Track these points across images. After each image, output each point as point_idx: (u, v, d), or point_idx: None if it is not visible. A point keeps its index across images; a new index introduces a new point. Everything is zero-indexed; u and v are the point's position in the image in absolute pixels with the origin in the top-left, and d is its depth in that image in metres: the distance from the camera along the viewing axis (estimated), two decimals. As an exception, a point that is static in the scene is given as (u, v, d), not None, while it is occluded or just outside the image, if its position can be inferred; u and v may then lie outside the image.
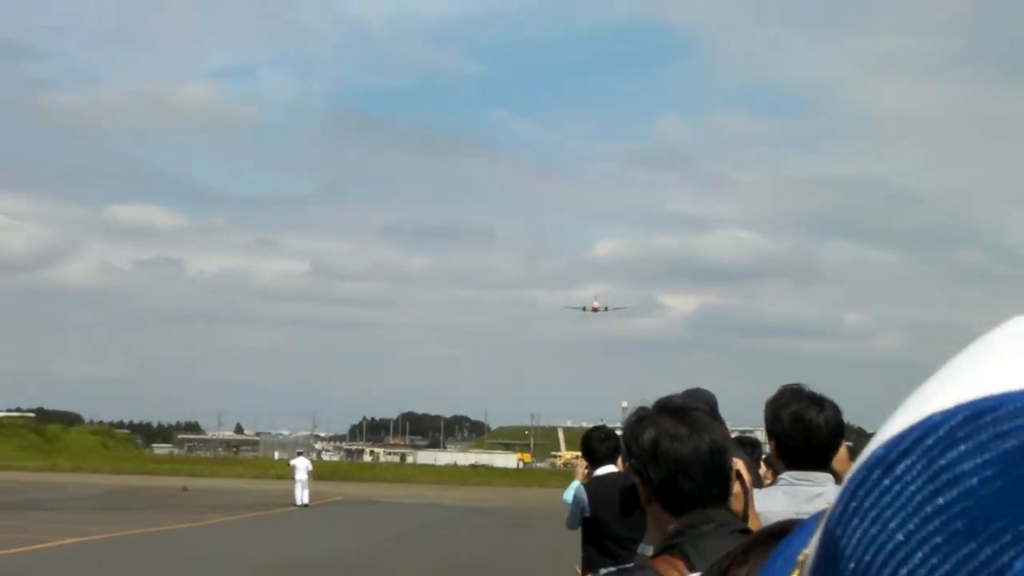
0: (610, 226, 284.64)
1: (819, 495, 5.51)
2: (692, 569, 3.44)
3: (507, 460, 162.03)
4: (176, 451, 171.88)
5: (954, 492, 0.68)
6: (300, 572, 26.32)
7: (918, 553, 0.68)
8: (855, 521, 0.73)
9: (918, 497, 0.69)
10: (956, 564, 0.66)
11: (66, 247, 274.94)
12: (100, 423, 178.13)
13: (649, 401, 4.03)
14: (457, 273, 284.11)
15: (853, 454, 7.83)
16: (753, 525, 4.23)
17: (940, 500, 0.68)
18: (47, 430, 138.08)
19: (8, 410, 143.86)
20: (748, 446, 10.31)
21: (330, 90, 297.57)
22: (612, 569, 8.24)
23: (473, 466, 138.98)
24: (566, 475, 70.28)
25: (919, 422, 0.72)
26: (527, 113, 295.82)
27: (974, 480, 0.68)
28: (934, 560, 0.67)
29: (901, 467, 0.71)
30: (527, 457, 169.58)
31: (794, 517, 3.92)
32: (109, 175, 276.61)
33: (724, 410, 7.42)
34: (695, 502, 3.81)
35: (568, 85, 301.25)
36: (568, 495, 10.86)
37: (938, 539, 0.67)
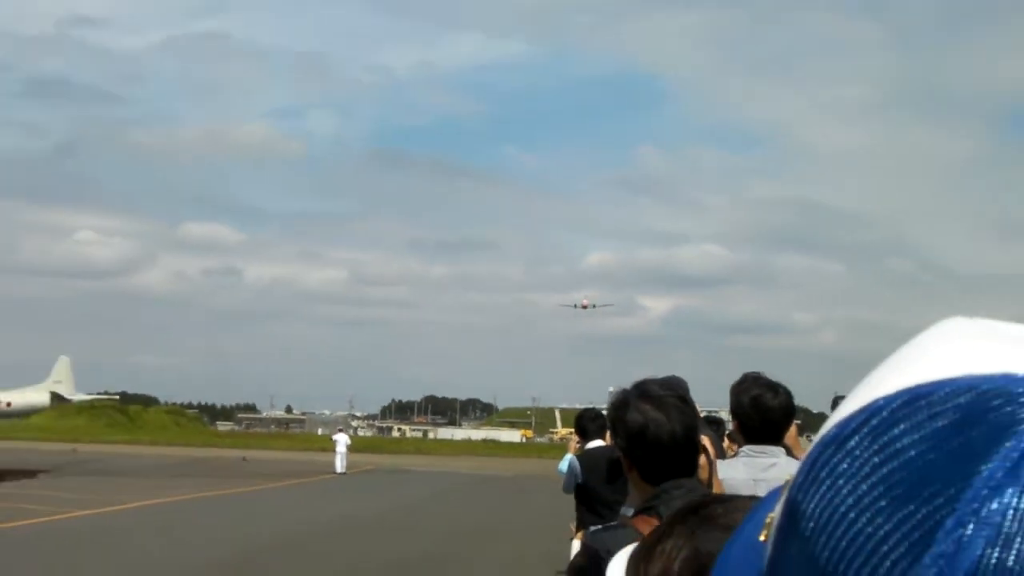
0: (598, 240, 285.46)
1: (773, 465, 5.55)
2: None
3: (512, 436, 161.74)
4: (236, 428, 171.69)
5: (895, 463, 0.69)
6: (339, 527, 26.25)
7: (867, 514, 0.68)
8: (813, 488, 0.74)
9: (865, 468, 0.70)
10: (898, 522, 0.67)
11: (146, 258, 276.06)
12: (173, 404, 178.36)
13: (628, 386, 4.07)
14: (470, 279, 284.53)
15: (801, 431, 7.86)
16: (716, 490, 4.35)
17: (884, 470, 0.69)
18: (129, 410, 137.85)
19: (97, 394, 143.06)
20: (714, 424, 10.36)
21: (365, 127, 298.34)
22: (599, 527, 8.24)
23: (483, 441, 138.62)
24: (561, 448, 70.00)
25: (866, 406, 0.73)
26: (529, 146, 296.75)
27: (912, 453, 0.69)
28: (880, 519, 0.68)
29: (851, 443, 0.73)
30: (529, 433, 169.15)
31: (751, 482, 3.99)
32: (183, 198, 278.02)
33: (694, 394, 7.41)
34: (669, 473, 3.85)
35: (564, 123, 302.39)
36: (563, 465, 10.84)
37: (883, 502, 0.68)
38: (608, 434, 10.57)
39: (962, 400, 0.69)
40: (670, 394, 4.11)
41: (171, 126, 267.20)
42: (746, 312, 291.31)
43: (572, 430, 12.25)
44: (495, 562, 20.54)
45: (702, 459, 4.19)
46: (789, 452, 5.85)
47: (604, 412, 11.05)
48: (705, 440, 4.29)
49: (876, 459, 0.71)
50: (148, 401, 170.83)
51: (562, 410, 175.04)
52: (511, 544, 22.99)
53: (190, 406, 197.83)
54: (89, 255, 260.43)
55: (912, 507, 0.67)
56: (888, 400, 0.73)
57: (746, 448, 5.74)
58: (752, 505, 1.79)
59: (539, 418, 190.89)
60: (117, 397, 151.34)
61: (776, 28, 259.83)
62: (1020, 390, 0.68)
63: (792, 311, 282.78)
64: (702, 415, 7.79)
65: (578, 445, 11.01)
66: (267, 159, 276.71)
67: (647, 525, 3.50)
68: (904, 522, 0.67)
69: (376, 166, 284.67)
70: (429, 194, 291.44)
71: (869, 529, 0.69)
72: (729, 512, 1.72)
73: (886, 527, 0.68)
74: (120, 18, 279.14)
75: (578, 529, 10.39)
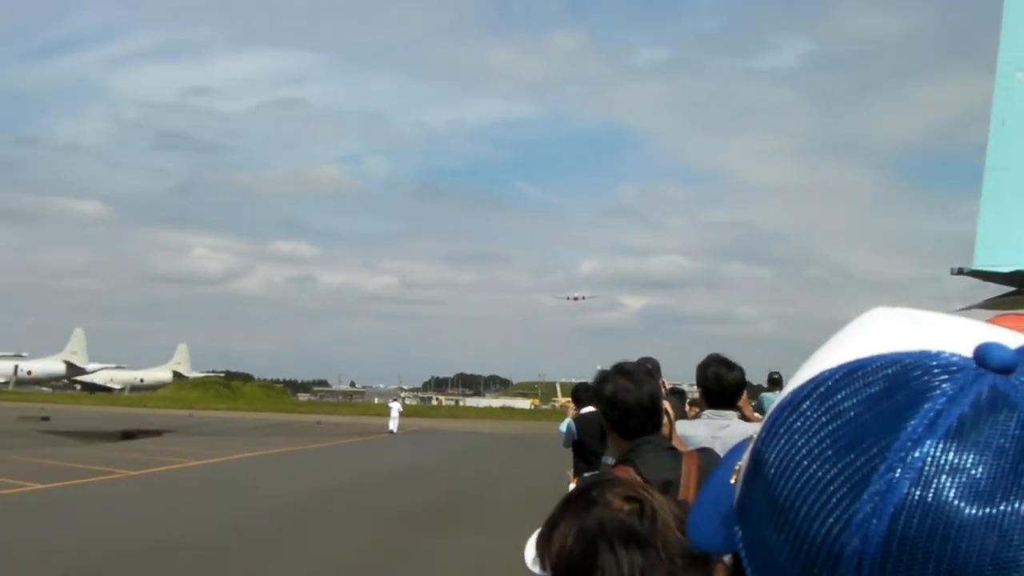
0: (588, 253, 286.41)
1: (727, 426, 5.57)
2: (638, 473, 3.63)
3: (524, 403, 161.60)
4: (312, 398, 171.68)
5: (839, 422, 0.73)
6: (392, 474, 26.29)
7: (817, 462, 0.72)
8: (773, 442, 0.77)
9: (815, 426, 0.74)
10: (841, 468, 0.71)
11: (244, 269, 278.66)
12: (265, 380, 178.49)
13: (612, 365, 4.21)
14: (490, 284, 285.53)
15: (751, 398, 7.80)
16: (676, 444, 4.37)
17: (830, 427, 0.73)
18: (232, 385, 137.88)
19: (207, 372, 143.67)
20: (677, 394, 10.33)
21: (411, 169, 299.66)
22: (588, 474, 8.16)
23: (502, 407, 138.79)
24: (561, 414, 69.95)
25: (814, 376, 0.77)
26: (537, 182, 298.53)
27: (851, 414, 0.73)
28: (827, 466, 0.71)
29: (803, 406, 0.76)
30: (536, 401, 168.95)
31: (710, 439, 3.90)
32: (273, 223, 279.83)
33: (663, 370, 7.37)
34: (639, 431, 3.97)
35: (562, 165, 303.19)
36: (563, 427, 10.80)
37: (829, 452, 0.72)
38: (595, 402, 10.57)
39: (889, 371, 0.74)
40: (639, 369, 4.24)
41: (263, 169, 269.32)
42: (701, 307, 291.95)
43: (570, 399, 12.26)
44: (511, 498, 20.60)
45: (665, 420, 4.27)
46: (742, 416, 5.85)
47: (592, 385, 11.12)
48: (667, 405, 4.42)
49: (823, 419, 0.74)
50: (246, 378, 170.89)
51: (562, 383, 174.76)
52: (522, 485, 23.04)
53: (277, 381, 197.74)
54: (202, 267, 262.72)
55: (852, 456, 0.71)
56: (832, 372, 0.76)
57: (707, 412, 5.73)
58: (620, 486, 1.81)
59: (544, 390, 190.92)
60: (222, 375, 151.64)
61: (722, 95, 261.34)
62: (934, 363, 0.73)
63: (736, 306, 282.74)
64: (668, 387, 7.75)
65: (574, 411, 10.98)
66: (336, 193, 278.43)
67: (624, 472, 3.61)
68: (846, 468, 0.71)
69: (419, 198, 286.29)
70: (460, 219, 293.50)
71: (819, 474, 0.72)
72: (603, 494, 1.76)
73: (832, 472, 0.72)
74: (226, 88, 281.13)
75: (575, 475, 10.35)
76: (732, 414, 5.70)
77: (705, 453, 4.18)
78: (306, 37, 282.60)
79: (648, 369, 4.67)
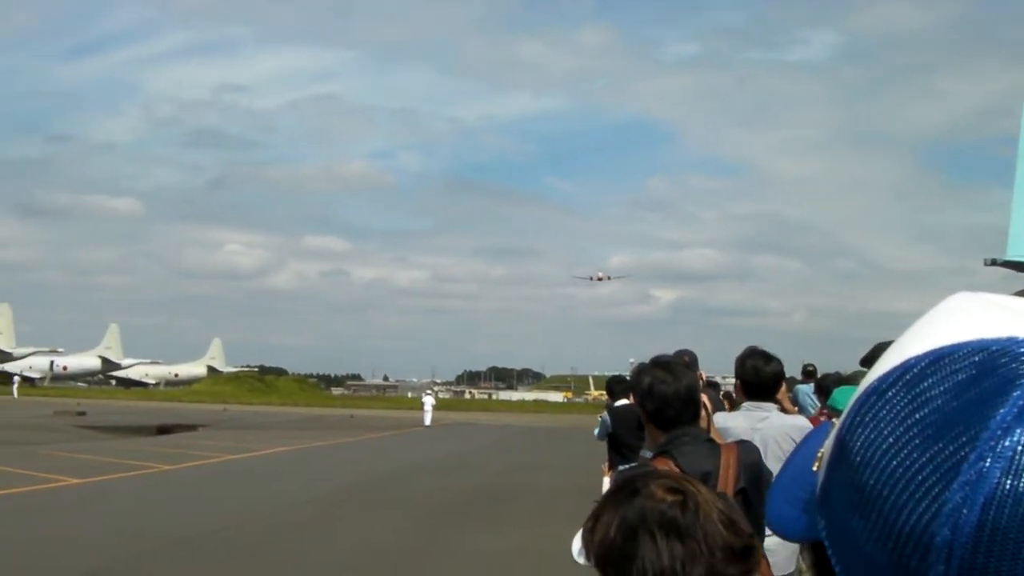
0: (619, 246, 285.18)
1: (766, 418, 5.57)
2: (676, 464, 3.63)
3: (557, 397, 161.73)
4: (346, 392, 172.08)
5: (926, 410, 0.72)
6: (427, 465, 26.36)
7: (904, 450, 0.72)
8: (859, 430, 0.76)
9: (902, 414, 0.74)
10: (930, 457, 0.70)
11: (277, 264, 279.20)
12: (298, 374, 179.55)
13: (646, 358, 4.27)
14: (521, 277, 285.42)
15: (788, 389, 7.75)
16: (714, 436, 4.35)
17: (917, 415, 0.73)
18: (266, 379, 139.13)
19: (242, 367, 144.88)
20: (712, 386, 10.40)
21: (442, 163, 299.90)
22: (626, 466, 8.15)
23: (535, 401, 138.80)
24: (596, 406, 69.94)
25: (900, 364, 0.76)
26: (567, 176, 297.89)
27: (939, 401, 0.72)
28: (915, 455, 0.71)
29: (889, 394, 0.75)
30: (569, 394, 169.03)
31: (749, 431, 3.90)
32: (305, 218, 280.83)
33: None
34: (676, 423, 3.96)
35: (593, 158, 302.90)
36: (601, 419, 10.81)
37: (917, 441, 0.71)
38: (632, 394, 10.55)
39: (976, 358, 0.73)
40: (677, 361, 4.35)
41: (296, 164, 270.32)
42: (732, 300, 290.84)
43: (604, 392, 12.32)
44: (544, 490, 20.65)
45: (703, 412, 4.29)
46: (781, 408, 5.83)
47: (627, 377, 11.21)
48: (704, 398, 4.37)
49: (910, 406, 0.74)
50: (279, 372, 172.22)
51: (595, 376, 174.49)
52: (556, 478, 23.05)
53: (311, 376, 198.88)
54: (236, 262, 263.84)
55: (941, 445, 0.71)
56: (918, 359, 0.75)
57: (745, 404, 5.75)
58: (665, 478, 1.80)
59: (577, 383, 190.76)
60: (256, 369, 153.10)
61: (750, 87, 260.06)
62: (1022, 350, 0.72)
63: (767, 299, 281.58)
64: (704, 379, 7.74)
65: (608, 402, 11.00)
66: (368, 188, 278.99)
67: (663, 464, 3.64)
68: (935, 457, 0.70)
69: (450, 193, 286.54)
70: (491, 213, 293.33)
71: (907, 463, 0.72)
72: (647, 485, 1.76)
73: (920, 460, 0.71)
74: (259, 85, 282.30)
75: (609, 467, 10.36)
76: (771, 406, 5.70)
77: (744, 445, 4.16)
78: (337, 34, 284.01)
79: (686, 361, 4.67)
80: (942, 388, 0.72)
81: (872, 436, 0.74)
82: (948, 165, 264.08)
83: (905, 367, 0.76)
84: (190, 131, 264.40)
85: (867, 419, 0.76)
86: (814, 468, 0.85)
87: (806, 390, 12.27)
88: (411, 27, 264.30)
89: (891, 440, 0.73)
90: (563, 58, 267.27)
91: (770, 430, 5.47)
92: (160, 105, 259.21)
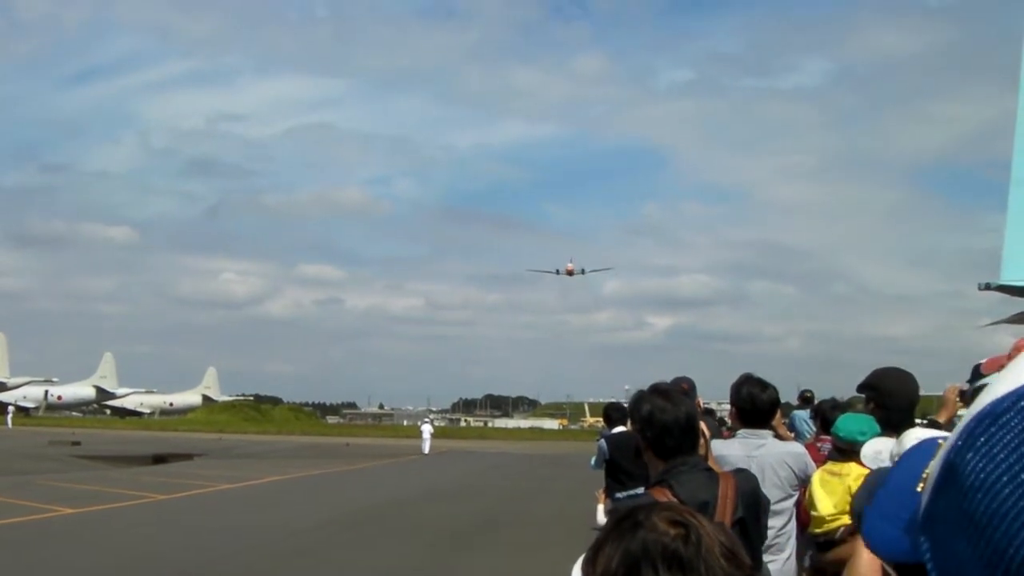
0: (614, 273, 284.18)
1: (762, 445, 5.58)
2: (674, 494, 3.65)
3: (552, 424, 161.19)
4: (341, 420, 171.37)
5: None
6: (426, 493, 26.26)
7: (1018, 477, 0.70)
8: (971, 454, 0.74)
9: (1017, 439, 0.72)
10: None
11: (272, 292, 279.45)
12: (293, 403, 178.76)
13: (641, 384, 4.25)
14: (516, 304, 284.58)
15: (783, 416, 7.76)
16: (712, 465, 4.29)
17: None
18: (261, 408, 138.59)
19: (236, 395, 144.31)
20: (708, 414, 10.40)
21: (437, 191, 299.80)
22: (625, 494, 8.13)
23: (530, 428, 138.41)
24: (591, 433, 69.72)
25: (1016, 388, 0.74)
26: (562, 202, 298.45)
27: None
28: None
29: (1004, 418, 0.73)
30: (565, 422, 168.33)
31: (745, 458, 3.90)
32: (300, 246, 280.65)
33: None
34: (676, 452, 3.93)
35: (589, 184, 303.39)
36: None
37: None
38: (628, 421, 10.57)
39: None
40: (676, 389, 4.25)
41: (291, 192, 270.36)
42: (727, 325, 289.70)
43: (600, 419, 12.33)
44: (540, 517, 20.61)
45: (701, 441, 4.21)
46: (776, 435, 5.83)
47: (623, 405, 11.25)
48: (702, 425, 4.34)
49: None
50: (275, 400, 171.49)
51: (590, 403, 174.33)
52: (552, 505, 23.05)
53: (306, 404, 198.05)
54: (230, 290, 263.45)
55: None
56: None
57: (741, 431, 5.73)
58: (668, 510, 1.80)
59: (572, 410, 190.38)
60: (251, 398, 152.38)
61: (744, 114, 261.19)
62: None
63: (762, 324, 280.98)
64: (701, 407, 7.73)
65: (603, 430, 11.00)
66: (363, 216, 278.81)
67: (661, 494, 3.65)
68: None
69: (445, 220, 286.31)
70: (485, 240, 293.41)
71: (1020, 491, 0.70)
72: (650, 517, 1.75)
73: None
74: (254, 114, 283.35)
75: (606, 494, 10.35)
76: (767, 433, 5.71)
77: (742, 474, 4.16)
78: (334, 62, 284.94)
79: (685, 389, 4.67)
80: None
81: (984, 461, 0.72)
82: (941, 189, 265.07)
83: (1021, 392, 0.73)
84: (186, 160, 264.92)
85: (979, 443, 0.73)
86: (918, 488, 0.83)
87: (803, 416, 12.29)
88: (407, 55, 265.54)
89: (1005, 466, 0.70)
90: (558, 86, 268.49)
91: (766, 457, 5.48)
92: (157, 134, 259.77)
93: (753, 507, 3.95)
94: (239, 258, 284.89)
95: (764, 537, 4.26)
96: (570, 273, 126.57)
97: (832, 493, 5.25)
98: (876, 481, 3.19)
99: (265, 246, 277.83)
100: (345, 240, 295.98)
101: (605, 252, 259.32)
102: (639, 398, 4.06)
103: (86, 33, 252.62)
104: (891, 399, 5.11)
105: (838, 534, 5.15)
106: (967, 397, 5.08)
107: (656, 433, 3.94)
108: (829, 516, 5.22)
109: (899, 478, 0.89)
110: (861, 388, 5.35)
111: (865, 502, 1.85)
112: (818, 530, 5.32)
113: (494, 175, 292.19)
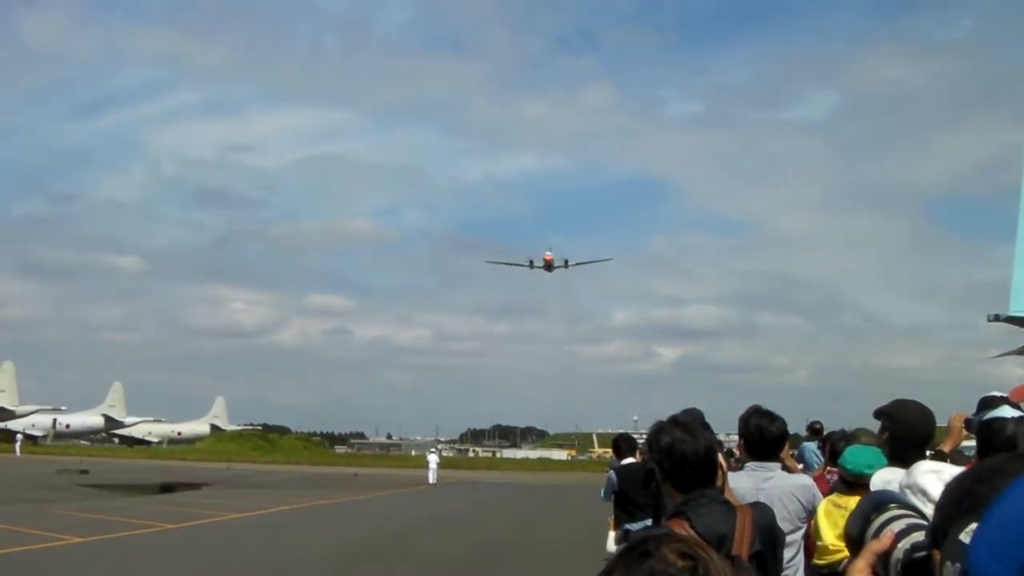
0: (622, 303, 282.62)
1: (771, 477, 5.56)
2: (692, 526, 3.63)
3: (561, 454, 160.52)
4: (349, 450, 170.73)
5: None
6: (434, 522, 26.19)
7: None
8: None
9: None
10: None
11: (281, 321, 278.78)
12: (302, 433, 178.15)
13: (648, 415, 4.22)
14: (524, 335, 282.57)
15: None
16: (729, 498, 4.26)
17: None
18: (269, 437, 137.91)
19: (245, 425, 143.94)
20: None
21: (445, 221, 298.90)
22: (639, 526, 8.12)
23: (539, 459, 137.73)
24: (600, 464, 69.55)
25: None
26: (569, 235, 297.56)
27: None
28: None
29: None
30: (573, 452, 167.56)
31: (754, 491, 3.89)
32: (308, 276, 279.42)
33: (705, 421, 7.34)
34: (694, 484, 3.91)
35: (595, 216, 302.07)
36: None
37: None
38: (637, 452, 10.58)
39: None
40: (695, 421, 4.21)
41: (300, 222, 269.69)
42: (735, 356, 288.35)
43: (609, 450, 12.32)
44: (549, 546, 20.56)
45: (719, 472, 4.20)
46: (784, 467, 5.81)
47: (632, 436, 11.26)
48: (720, 458, 4.32)
49: None
50: (283, 430, 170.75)
51: (599, 434, 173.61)
52: (561, 534, 22.96)
53: (314, 434, 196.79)
54: (239, 320, 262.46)
55: None
56: None
57: (750, 464, 5.69)
58: (677, 542, 1.79)
59: (581, 440, 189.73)
60: (260, 427, 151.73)
61: (752, 146, 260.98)
62: None
63: (770, 355, 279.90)
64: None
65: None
66: (372, 246, 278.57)
67: (678, 526, 3.61)
68: None
69: (453, 250, 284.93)
70: (494, 271, 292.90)
71: None
72: (659, 548, 1.76)
73: None
74: (263, 144, 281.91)
75: (615, 524, 10.37)
76: (775, 465, 5.69)
77: (759, 507, 4.15)
78: (342, 94, 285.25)
79: (704, 422, 4.68)
80: None
81: None
82: (949, 220, 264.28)
83: None
84: (195, 190, 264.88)
85: None
86: None
87: (811, 447, 12.24)
88: (416, 87, 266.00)
89: None
90: (566, 117, 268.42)
91: (775, 490, 5.47)
92: (166, 164, 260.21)
93: (770, 541, 3.94)
94: (248, 288, 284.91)
95: (780, 571, 4.25)
96: (549, 266, 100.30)
97: (836, 524, 5.23)
98: (869, 503, 3.18)
99: (274, 276, 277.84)
100: (353, 270, 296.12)
101: (612, 283, 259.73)
102: (658, 429, 4.05)
103: (96, 63, 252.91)
104: (906, 431, 5.08)
105: (841, 566, 5.14)
106: (973, 427, 5.07)
107: (675, 465, 3.93)
108: (833, 547, 5.21)
109: (1009, 512, 0.82)
110: (878, 415, 5.31)
111: (857, 526, 1.84)
112: (821, 561, 5.32)
113: (502, 207, 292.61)
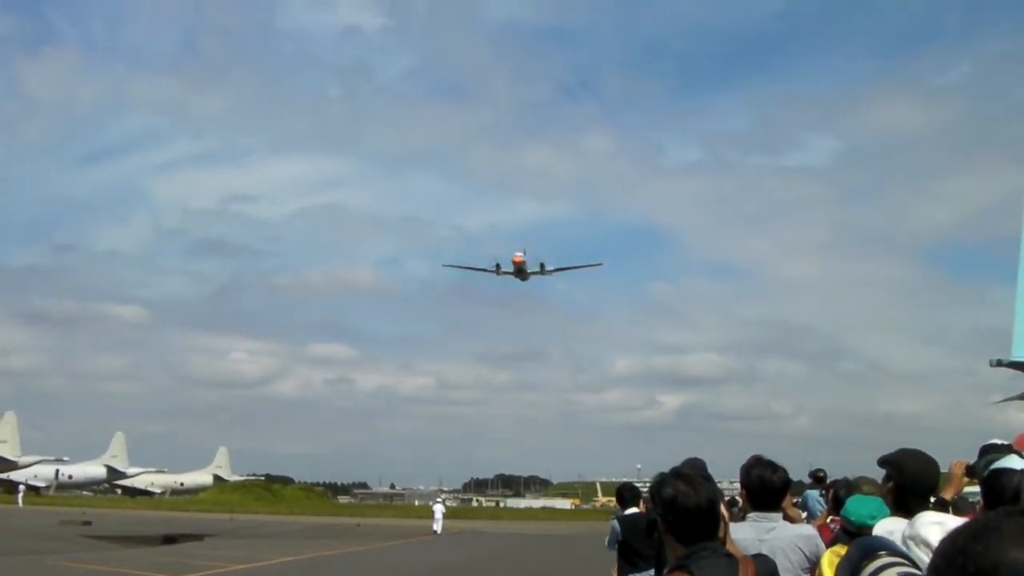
0: (623, 351, 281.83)
1: (773, 528, 5.53)
2: None
3: (564, 504, 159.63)
4: (352, 500, 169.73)
5: None
6: (440, 572, 26.07)
7: None
8: None
9: None
10: None
11: (283, 371, 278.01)
12: (305, 483, 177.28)
13: (651, 463, 4.22)
14: (526, 383, 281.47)
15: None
16: (731, 549, 4.25)
17: None
18: (272, 488, 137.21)
19: (247, 475, 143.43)
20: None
21: (447, 270, 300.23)
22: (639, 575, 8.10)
23: (542, 508, 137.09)
24: (604, 513, 69.13)
25: None
26: (570, 280, 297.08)
27: None
28: None
29: None
30: (577, 501, 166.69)
31: (757, 542, 3.93)
32: (309, 325, 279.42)
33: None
34: (696, 537, 3.92)
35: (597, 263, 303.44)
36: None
37: None
38: (641, 502, 10.57)
39: None
40: (698, 474, 4.20)
41: (301, 271, 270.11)
42: (737, 403, 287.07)
43: (612, 499, 12.30)
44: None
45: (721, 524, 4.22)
46: (786, 517, 5.81)
47: (636, 485, 11.24)
48: (723, 509, 4.33)
49: None
50: (286, 480, 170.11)
51: (602, 482, 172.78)
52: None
53: (317, 484, 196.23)
54: (241, 370, 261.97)
55: None
56: None
57: (752, 514, 5.66)
58: None
59: (584, 489, 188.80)
60: (263, 478, 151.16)
61: (753, 191, 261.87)
62: None
63: (772, 402, 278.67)
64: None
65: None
66: (373, 295, 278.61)
67: None
68: None
69: (455, 299, 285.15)
70: (494, 320, 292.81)
71: None
72: None
73: None
74: (265, 195, 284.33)
75: (618, 574, 10.32)
76: (777, 516, 5.67)
77: (760, 559, 4.17)
78: (344, 143, 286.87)
79: (706, 473, 4.69)
80: None
81: None
82: (951, 265, 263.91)
83: None
84: (196, 240, 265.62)
85: None
86: None
87: (814, 495, 12.24)
88: (417, 135, 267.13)
89: None
90: (567, 164, 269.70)
91: (778, 541, 5.45)
92: (167, 214, 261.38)
93: (772, 593, 3.96)
94: (249, 337, 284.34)
95: (782, 622, 4.25)
96: (520, 271, 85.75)
97: None
98: (858, 550, 3.21)
99: (275, 325, 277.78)
100: (355, 319, 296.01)
101: (613, 330, 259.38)
102: (661, 481, 4.06)
103: (97, 112, 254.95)
104: (911, 482, 4.98)
105: None
106: (977, 473, 5.05)
107: (677, 517, 3.94)
108: None
109: None
110: (882, 463, 5.26)
111: (846, 573, 1.87)
112: None
113: (504, 254, 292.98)
